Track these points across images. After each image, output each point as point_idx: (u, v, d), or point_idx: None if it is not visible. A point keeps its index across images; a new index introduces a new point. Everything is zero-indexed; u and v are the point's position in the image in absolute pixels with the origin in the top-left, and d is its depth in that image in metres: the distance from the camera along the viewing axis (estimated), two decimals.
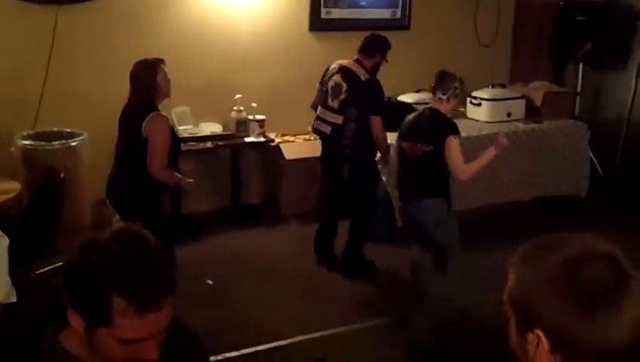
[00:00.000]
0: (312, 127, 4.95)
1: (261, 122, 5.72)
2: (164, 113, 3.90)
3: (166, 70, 3.88)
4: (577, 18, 6.72)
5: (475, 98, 6.02)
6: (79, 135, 4.92)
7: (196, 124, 5.62)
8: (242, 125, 5.71)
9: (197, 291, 4.45)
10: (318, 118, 4.81)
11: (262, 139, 5.73)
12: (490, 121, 5.89)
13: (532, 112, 6.06)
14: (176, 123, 5.49)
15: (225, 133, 5.66)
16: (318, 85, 4.88)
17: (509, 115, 5.96)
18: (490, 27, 6.88)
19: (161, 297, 1.30)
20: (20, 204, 4.53)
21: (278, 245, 5.33)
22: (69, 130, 5.01)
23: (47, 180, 4.29)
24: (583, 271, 1.12)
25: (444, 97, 3.91)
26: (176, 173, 3.97)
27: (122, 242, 1.31)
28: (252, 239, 5.45)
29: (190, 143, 5.46)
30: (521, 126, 5.87)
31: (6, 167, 4.74)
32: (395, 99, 5.89)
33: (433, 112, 3.96)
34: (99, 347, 1.33)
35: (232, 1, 5.70)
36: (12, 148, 4.78)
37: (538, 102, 6.09)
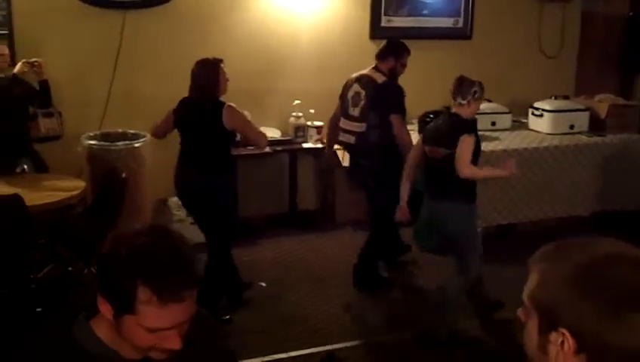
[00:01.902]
0: (333, 139, 4.95)
1: (319, 128, 5.76)
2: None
3: (225, 69, 4.07)
4: None
5: (537, 109, 5.92)
6: (142, 137, 5.05)
7: None
8: (300, 131, 5.76)
9: (250, 293, 4.51)
10: (342, 130, 4.78)
11: (319, 146, 5.76)
12: (552, 132, 5.78)
13: (596, 125, 5.92)
14: None
15: (283, 138, 5.72)
16: (338, 101, 4.87)
17: (571, 127, 5.83)
18: (554, 38, 6.76)
19: (185, 289, 1.35)
20: (85, 201, 4.69)
21: (331, 251, 5.35)
22: (133, 131, 5.16)
23: (109, 180, 4.44)
24: (610, 272, 1.11)
25: (465, 102, 3.94)
26: None
27: (150, 235, 1.38)
28: (306, 244, 5.49)
29: (249, 148, 5.53)
30: (584, 138, 5.74)
31: (73, 166, 4.92)
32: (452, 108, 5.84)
33: (454, 117, 4.00)
34: (125, 334, 1.39)
35: (293, 8, 5.78)
36: (78, 148, 4.94)
37: (603, 114, 5.94)
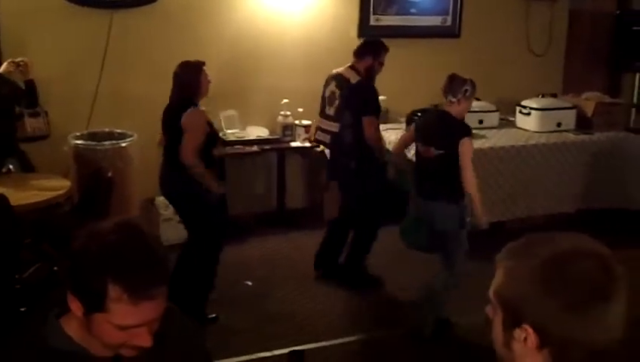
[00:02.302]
0: (314, 137, 4.97)
1: (307, 127, 5.77)
2: (202, 108, 4.07)
3: (207, 72, 4.07)
4: (633, 28, 6.58)
5: (524, 107, 5.94)
6: (130, 136, 5.06)
7: (243, 128, 5.72)
8: (288, 130, 5.77)
9: (236, 291, 4.53)
10: (319, 128, 4.84)
11: (307, 144, 5.77)
12: (539, 130, 5.81)
13: (583, 123, 5.94)
14: (224, 126, 5.61)
15: (271, 137, 5.73)
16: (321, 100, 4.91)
17: (558, 125, 5.86)
18: (542, 36, 6.78)
19: (155, 286, 1.36)
20: (71, 201, 4.68)
21: None
22: (120, 131, 5.16)
23: (95, 179, 4.44)
24: (572, 268, 1.12)
25: (455, 100, 3.95)
26: (209, 172, 4.04)
27: (120, 232, 1.37)
28: (294, 243, 5.51)
29: (237, 147, 5.55)
30: (571, 136, 5.77)
31: (60, 166, 4.92)
32: (443, 106, 5.86)
33: (444, 116, 4.02)
34: (95, 332, 1.39)
35: (281, 6, 5.78)
36: (65, 148, 4.94)
37: (590, 112, 5.97)
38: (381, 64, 4.67)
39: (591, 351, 1.11)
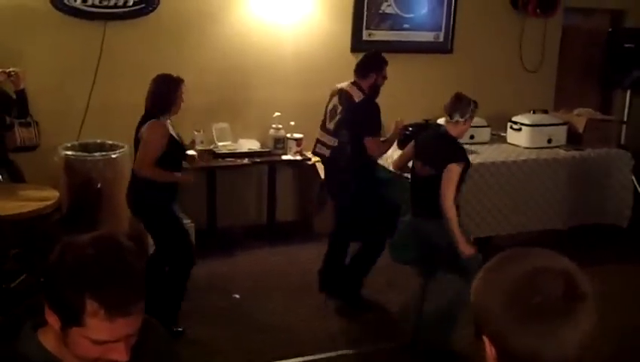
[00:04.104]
0: (313, 150, 4.94)
1: (299, 141, 5.79)
2: (164, 122, 4.01)
3: (184, 89, 4.05)
4: (626, 45, 6.63)
5: (515, 123, 5.95)
6: (120, 147, 5.06)
7: (235, 140, 5.72)
8: (280, 143, 5.78)
9: (224, 304, 4.52)
10: (318, 141, 4.81)
11: (298, 158, 5.78)
12: (530, 146, 5.81)
13: (574, 139, 5.95)
14: (216, 138, 5.62)
15: (262, 150, 5.74)
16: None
17: (549, 141, 5.87)
18: (535, 53, 6.81)
19: (132, 302, 1.35)
20: (60, 211, 4.68)
21: (309, 263, 5.33)
22: (111, 142, 5.16)
23: (84, 190, 4.43)
24: (532, 284, 1.13)
25: (462, 120, 3.89)
26: (173, 173, 4.06)
27: (97, 246, 1.36)
28: (284, 256, 5.50)
29: (228, 159, 5.56)
30: (561, 152, 5.78)
31: (49, 176, 4.91)
32: (435, 122, 5.88)
33: (444, 138, 3.94)
34: (71, 346, 1.39)
35: (274, 20, 5.81)
36: (55, 158, 4.94)
37: (581, 129, 5.98)
38: (384, 77, 4.63)
39: None
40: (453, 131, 3.92)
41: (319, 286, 4.77)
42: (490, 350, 1.17)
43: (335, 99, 4.69)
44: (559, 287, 1.11)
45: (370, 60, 4.66)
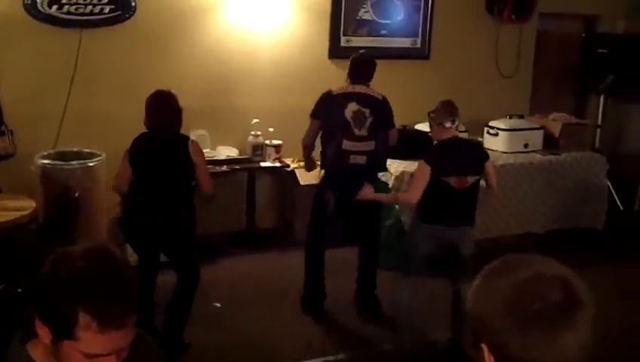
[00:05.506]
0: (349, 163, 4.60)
1: (277, 147, 5.78)
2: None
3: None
4: (599, 50, 6.72)
5: (492, 128, 6.02)
6: (98, 156, 5.01)
7: (213, 148, 5.70)
8: (259, 150, 5.77)
9: (204, 313, 4.48)
10: (348, 153, 4.54)
11: (277, 164, 5.78)
12: (507, 151, 5.88)
13: (550, 144, 6.04)
14: None
15: (241, 157, 5.73)
16: (312, 120, 4.66)
17: (526, 145, 5.94)
18: (511, 58, 6.88)
19: (125, 316, 1.34)
20: (37, 220, 4.62)
21: (289, 270, 5.32)
22: (88, 150, 5.11)
23: (61, 199, 4.39)
24: (532, 290, 1.14)
25: (453, 126, 3.95)
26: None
27: (90, 258, 1.36)
28: (264, 263, 5.48)
29: (207, 166, 5.52)
30: (538, 157, 5.85)
31: (25, 186, 4.84)
32: (412, 127, 5.92)
33: (468, 141, 4.34)
34: (63, 359, 1.37)
35: (252, 27, 5.80)
36: (32, 167, 4.88)
37: (556, 133, 6.06)
38: None
39: None
40: (447, 135, 3.96)
41: (360, 307, 4.81)
42: (489, 358, 1.17)
43: (353, 106, 4.52)
44: (558, 293, 1.13)
45: (373, 65, 4.72)
